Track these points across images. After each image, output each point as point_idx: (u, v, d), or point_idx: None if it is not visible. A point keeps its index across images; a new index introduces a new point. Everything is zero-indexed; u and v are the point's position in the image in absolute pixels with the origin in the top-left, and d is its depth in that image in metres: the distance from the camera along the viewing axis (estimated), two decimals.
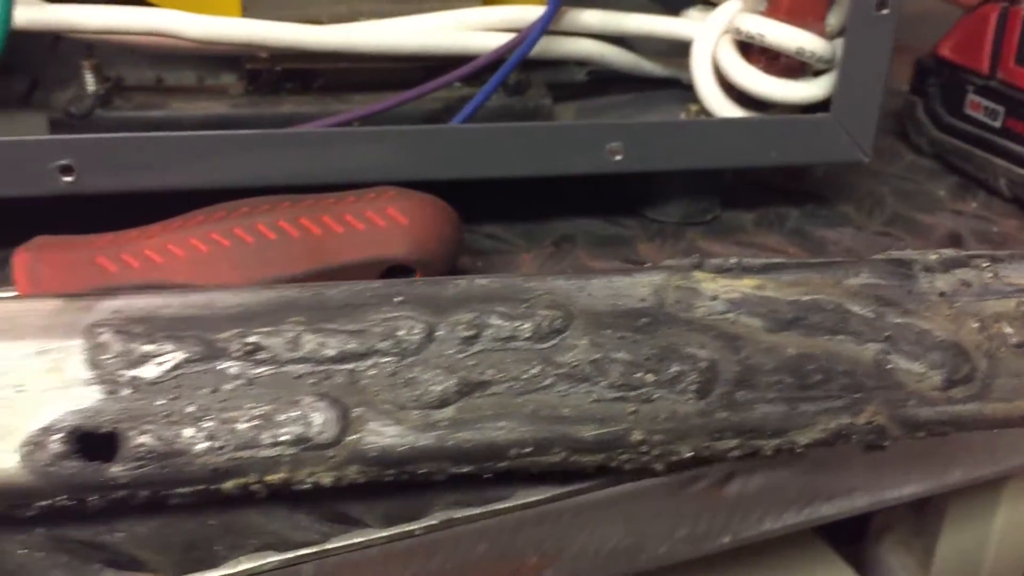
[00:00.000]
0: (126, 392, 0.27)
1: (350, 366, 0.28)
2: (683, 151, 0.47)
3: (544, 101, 0.49)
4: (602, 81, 0.55)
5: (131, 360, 0.27)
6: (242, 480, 0.28)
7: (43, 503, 0.27)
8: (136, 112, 0.45)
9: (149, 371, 0.27)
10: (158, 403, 0.27)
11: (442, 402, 0.28)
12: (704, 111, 0.50)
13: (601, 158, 0.46)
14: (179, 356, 0.28)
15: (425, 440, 0.28)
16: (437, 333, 0.29)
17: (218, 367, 0.28)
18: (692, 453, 0.31)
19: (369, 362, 0.28)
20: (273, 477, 0.28)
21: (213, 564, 0.30)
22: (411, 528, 0.32)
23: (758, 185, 0.56)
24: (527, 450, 0.29)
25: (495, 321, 0.30)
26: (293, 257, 0.40)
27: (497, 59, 0.46)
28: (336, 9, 0.46)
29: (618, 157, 0.46)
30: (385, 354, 0.28)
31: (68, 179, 0.41)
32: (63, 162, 0.41)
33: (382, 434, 0.28)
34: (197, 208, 0.40)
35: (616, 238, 0.50)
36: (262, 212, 0.40)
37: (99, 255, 0.39)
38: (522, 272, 0.46)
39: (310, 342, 0.28)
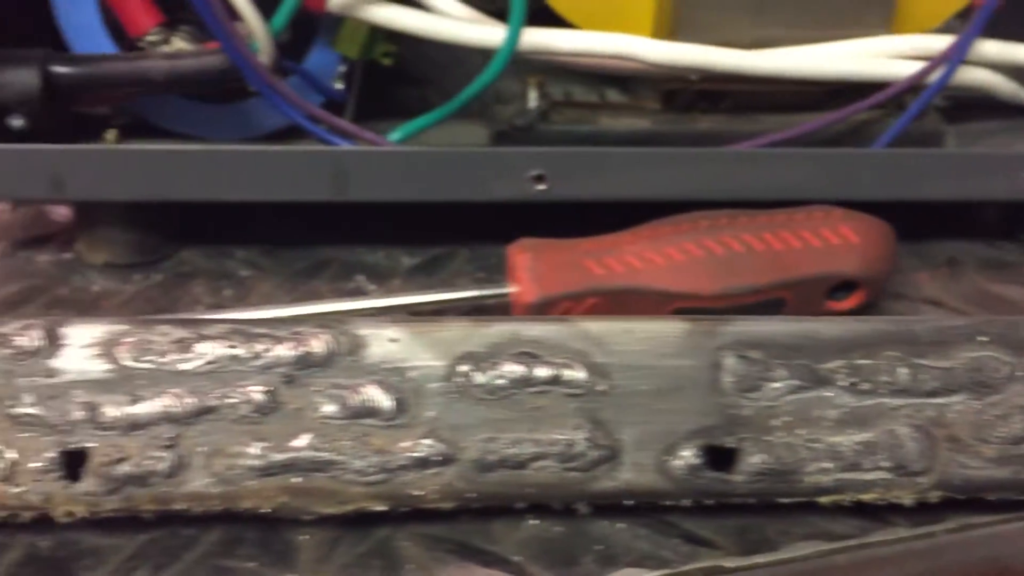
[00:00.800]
0: (746, 413, 0.31)
1: (941, 400, 0.32)
2: None
3: (940, 126, 0.52)
4: (959, 107, 0.57)
5: (749, 383, 0.31)
6: (838, 497, 0.32)
7: (667, 503, 0.32)
8: (570, 127, 0.50)
9: (767, 393, 0.31)
10: (773, 423, 0.31)
11: (1020, 439, 0.32)
12: None
13: (1015, 185, 0.48)
14: (792, 382, 0.31)
15: (1002, 473, 0.32)
16: (1017, 373, 0.32)
17: (824, 394, 0.31)
18: None
19: (957, 398, 0.32)
20: (865, 496, 0.32)
21: (772, 548, 0.34)
22: (933, 529, 0.35)
23: None
24: None
25: None
26: (758, 269, 0.43)
27: (908, 86, 0.49)
28: (755, 34, 0.49)
29: None
30: (971, 391, 0.32)
31: (541, 187, 0.46)
32: (536, 172, 0.45)
33: (966, 465, 0.32)
34: (625, 217, 0.44)
35: (999, 261, 0.52)
36: (724, 226, 0.44)
37: (586, 258, 0.43)
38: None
39: (905, 375, 0.32)
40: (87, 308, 0.45)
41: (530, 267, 0.43)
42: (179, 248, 0.49)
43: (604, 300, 0.43)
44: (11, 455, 0.29)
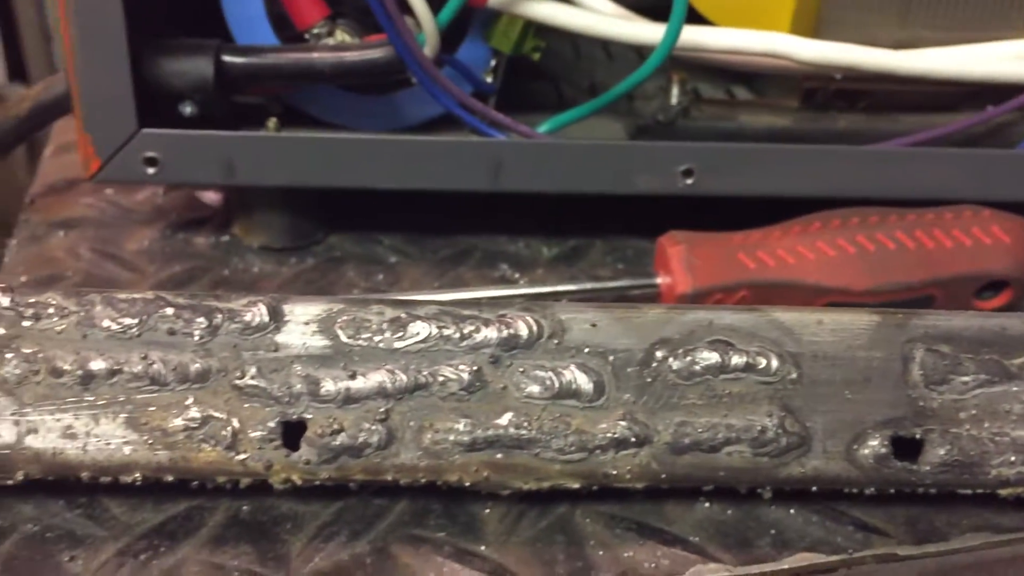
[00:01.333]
0: (934, 405, 0.32)
1: None
2: None
3: None
4: None
5: (938, 376, 0.32)
6: (1021, 490, 0.33)
7: (852, 491, 0.33)
8: (711, 123, 0.51)
9: (955, 387, 0.32)
10: (960, 416, 0.32)
11: None
12: None
13: None
14: (981, 376, 0.32)
15: None
16: None
17: (1012, 388, 0.32)
18: None
19: None
20: None
21: (942, 538, 0.35)
22: None
23: None
24: None
25: None
26: (911, 266, 0.44)
27: None
28: (899, 35, 0.50)
29: None
30: None
31: (688, 181, 0.47)
32: (685, 166, 0.47)
33: None
34: (760, 214, 0.46)
35: None
36: (875, 223, 0.45)
37: (739, 252, 0.44)
38: None
39: None
40: (248, 288, 0.47)
41: (684, 258, 0.44)
42: (327, 234, 0.51)
43: (755, 293, 0.44)
44: (235, 424, 0.31)
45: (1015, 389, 0.32)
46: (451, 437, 0.31)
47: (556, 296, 0.45)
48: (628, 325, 0.32)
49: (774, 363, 0.32)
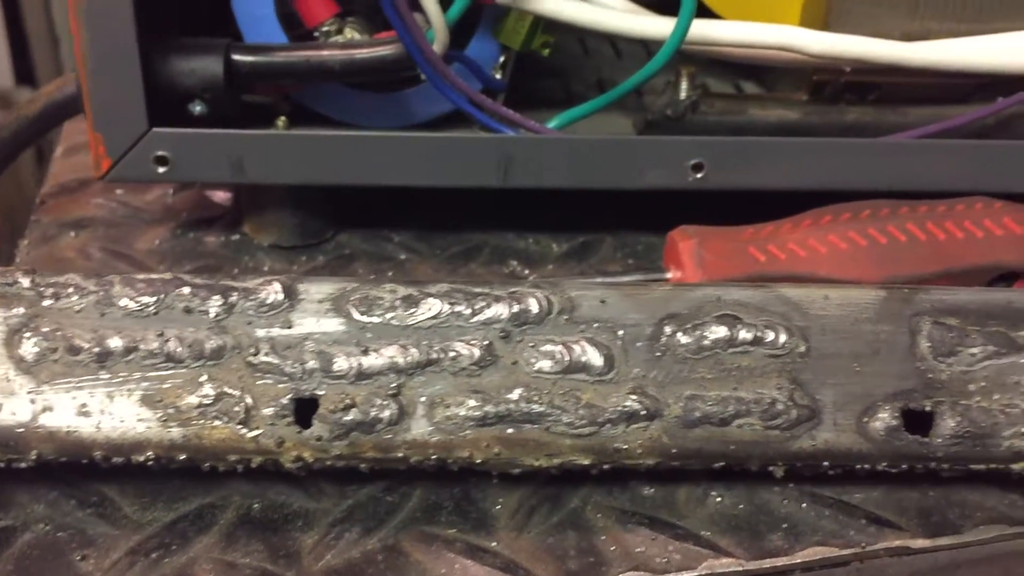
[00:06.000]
0: (943, 377, 0.34)
1: None
2: None
3: None
4: None
5: (946, 349, 0.34)
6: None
7: (864, 467, 0.34)
8: (720, 117, 0.53)
9: (963, 359, 0.34)
10: (970, 388, 0.34)
11: None
12: None
13: None
14: (989, 348, 0.34)
15: None
16: None
17: (1020, 360, 0.34)
18: None
19: None
20: None
21: (955, 530, 0.36)
22: None
23: None
24: None
25: None
26: (923, 258, 0.46)
27: None
28: (909, 27, 0.52)
29: None
30: None
31: (698, 175, 0.48)
32: (695, 160, 0.48)
33: None
34: (778, 207, 0.47)
35: None
36: (885, 216, 0.46)
37: (750, 246, 0.46)
38: None
39: None
40: None
41: (695, 253, 0.46)
42: (337, 232, 0.53)
43: None
44: (248, 400, 0.32)
45: (1023, 361, 0.33)
46: (462, 412, 0.33)
47: None
48: (637, 301, 0.33)
49: (782, 337, 0.33)
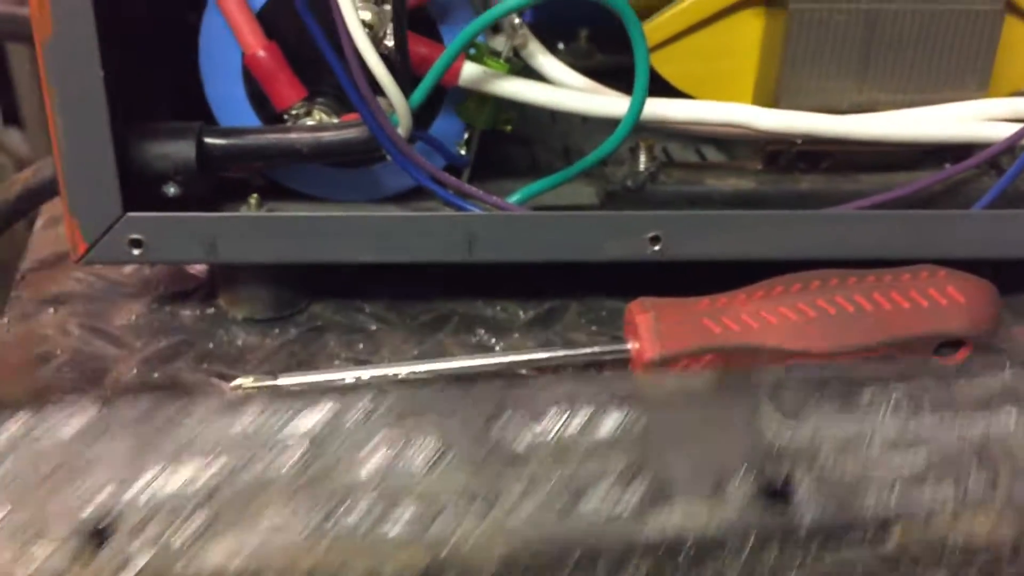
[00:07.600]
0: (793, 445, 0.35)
1: None
2: None
3: None
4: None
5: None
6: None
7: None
8: (678, 187, 0.55)
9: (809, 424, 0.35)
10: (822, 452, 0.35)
11: None
12: None
13: None
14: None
15: None
16: None
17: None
18: None
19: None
20: None
21: None
22: None
23: None
24: None
25: None
26: (869, 329, 0.48)
27: (1006, 147, 0.53)
28: (856, 98, 0.54)
29: None
30: None
31: (655, 248, 0.51)
32: (653, 233, 0.51)
33: None
34: (736, 273, 0.50)
35: None
36: (834, 286, 0.48)
37: (704, 317, 0.48)
38: None
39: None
40: (234, 362, 0.51)
41: (652, 326, 0.48)
42: (310, 303, 0.55)
43: (721, 357, 0.48)
44: None
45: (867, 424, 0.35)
46: None
47: (529, 365, 0.49)
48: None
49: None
